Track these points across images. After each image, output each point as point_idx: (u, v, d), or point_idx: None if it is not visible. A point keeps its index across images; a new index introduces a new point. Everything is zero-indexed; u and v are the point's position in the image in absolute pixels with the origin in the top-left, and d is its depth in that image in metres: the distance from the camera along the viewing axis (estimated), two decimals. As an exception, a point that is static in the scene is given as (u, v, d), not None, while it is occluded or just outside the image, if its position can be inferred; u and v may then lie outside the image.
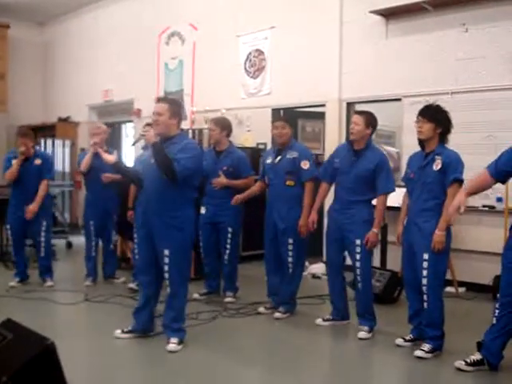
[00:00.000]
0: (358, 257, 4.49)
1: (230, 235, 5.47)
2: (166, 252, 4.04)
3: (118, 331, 4.31)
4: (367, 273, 4.57)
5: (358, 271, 4.52)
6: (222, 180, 5.40)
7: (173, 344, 4.07)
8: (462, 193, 3.62)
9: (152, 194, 4.08)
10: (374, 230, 4.45)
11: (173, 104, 4.15)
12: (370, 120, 4.52)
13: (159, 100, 4.25)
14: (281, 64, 7.79)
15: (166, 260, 4.05)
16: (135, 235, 4.71)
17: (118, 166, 4.49)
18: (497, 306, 3.68)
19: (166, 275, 4.09)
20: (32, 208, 5.83)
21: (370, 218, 4.52)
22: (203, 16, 8.78)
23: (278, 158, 5.02)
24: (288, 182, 4.95)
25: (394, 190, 4.55)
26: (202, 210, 5.56)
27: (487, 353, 3.69)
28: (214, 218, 5.49)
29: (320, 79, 7.30)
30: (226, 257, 5.52)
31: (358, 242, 4.48)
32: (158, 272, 4.18)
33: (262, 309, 5.17)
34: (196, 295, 5.58)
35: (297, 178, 4.93)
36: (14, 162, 5.87)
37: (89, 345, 4.20)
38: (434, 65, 6.27)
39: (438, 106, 4.15)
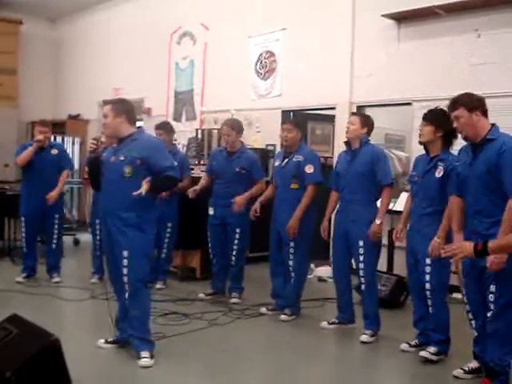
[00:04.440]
0: (361, 258, 4.49)
1: (238, 235, 5.47)
2: (125, 254, 3.77)
3: (102, 341, 4.08)
4: (370, 274, 4.54)
5: (361, 273, 4.52)
6: (241, 200, 5.30)
7: (145, 358, 3.77)
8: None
9: (110, 193, 3.87)
10: (377, 221, 4.42)
11: (116, 103, 3.94)
12: (366, 121, 4.63)
13: (104, 103, 4.04)
14: (292, 66, 7.78)
15: (125, 262, 3.77)
16: None
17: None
18: (470, 316, 3.62)
19: (125, 279, 3.80)
20: (54, 194, 5.81)
21: (373, 218, 4.47)
22: (215, 16, 8.79)
23: (285, 161, 5.03)
24: (292, 185, 4.95)
25: (391, 183, 4.52)
26: (210, 211, 5.55)
27: (482, 362, 3.64)
28: (222, 219, 5.48)
29: (331, 82, 7.27)
30: (233, 257, 5.51)
31: (360, 243, 4.47)
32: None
33: (263, 309, 5.17)
34: (201, 295, 5.59)
35: (301, 182, 4.92)
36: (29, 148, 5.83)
37: (93, 341, 4.18)
38: (445, 69, 6.23)
39: (440, 110, 4.04)
